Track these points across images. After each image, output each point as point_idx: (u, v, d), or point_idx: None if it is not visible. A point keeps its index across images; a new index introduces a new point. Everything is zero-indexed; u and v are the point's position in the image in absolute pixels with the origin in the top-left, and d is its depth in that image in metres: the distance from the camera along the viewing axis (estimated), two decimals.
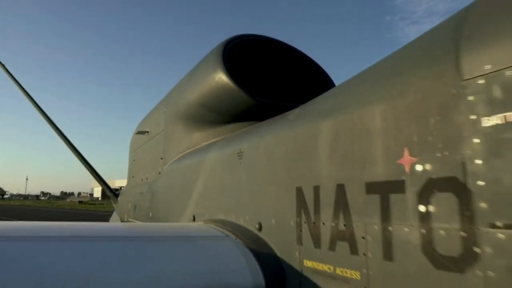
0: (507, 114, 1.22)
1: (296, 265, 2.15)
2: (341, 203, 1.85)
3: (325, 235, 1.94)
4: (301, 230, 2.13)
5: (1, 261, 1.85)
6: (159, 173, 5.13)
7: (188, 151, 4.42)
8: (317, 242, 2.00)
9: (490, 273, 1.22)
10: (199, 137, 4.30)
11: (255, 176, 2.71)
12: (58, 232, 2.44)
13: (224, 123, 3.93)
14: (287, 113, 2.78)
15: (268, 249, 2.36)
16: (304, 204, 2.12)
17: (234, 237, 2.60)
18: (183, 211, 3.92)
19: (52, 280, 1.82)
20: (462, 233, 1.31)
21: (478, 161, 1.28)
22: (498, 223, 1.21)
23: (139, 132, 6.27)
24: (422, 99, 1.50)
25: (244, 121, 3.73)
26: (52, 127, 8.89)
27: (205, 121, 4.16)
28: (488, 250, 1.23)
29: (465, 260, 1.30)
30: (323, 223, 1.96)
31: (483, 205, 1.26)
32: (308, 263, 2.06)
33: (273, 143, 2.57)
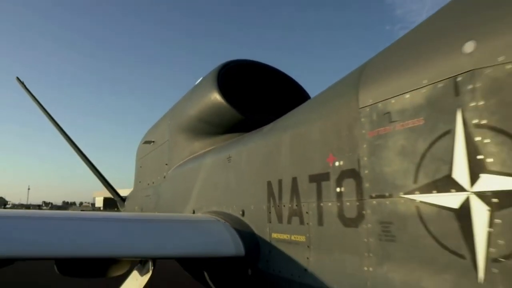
0: (379, 129, 2.03)
1: (267, 238, 2.94)
2: (295, 190, 2.65)
3: (285, 214, 2.74)
4: (270, 212, 2.93)
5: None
6: (164, 177, 5.94)
7: (189, 157, 5.23)
8: (280, 220, 2.80)
9: (370, 226, 2.02)
10: (198, 145, 5.12)
11: (239, 175, 3.52)
12: (93, 215, 3.26)
13: (218, 134, 4.75)
14: (263, 127, 3.60)
15: (248, 228, 3.16)
16: (272, 193, 2.92)
17: (223, 221, 3.41)
18: (184, 207, 4.72)
19: (94, 243, 2.63)
20: (357, 203, 2.11)
21: (365, 159, 2.09)
22: (373, 195, 2.01)
23: (146, 142, 7.09)
24: (339, 120, 2.32)
25: (234, 132, 4.56)
26: (62, 134, 9.66)
27: (203, 132, 4.99)
28: (369, 211, 2.04)
29: (359, 219, 2.10)
30: (284, 206, 2.76)
31: (367, 185, 2.06)
32: (274, 235, 2.86)
33: (252, 150, 3.39)
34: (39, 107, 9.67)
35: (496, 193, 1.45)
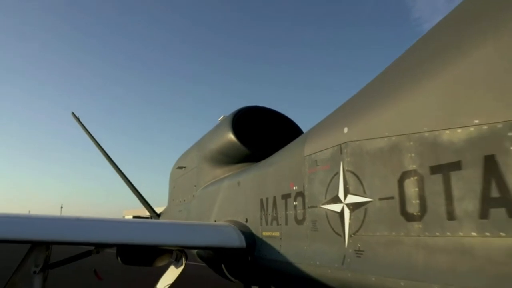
0: (312, 169, 3.61)
1: (259, 235, 4.53)
2: (274, 204, 4.25)
3: (269, 219, 4.33)
4: (261, 219, 4.53)
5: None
6: (193, 196, 7.64)
7: (212, 181, 6.92)
8: (266, 223, 4.39)
9: (308, 223, 3.58)
10: (219, 172, 6.81)
11: (245, 195, 5.15)
12: (140, 220, 4.98)
13: (233, 163, 6.43)
14: (262, 160, 5.22)
15: (249, 230, 4.77)
16: (263, 206, 4.52)
17: (233, 226, 5.03)
18: (208, 218, 6.37)
19: (143, 235, 4.33)
20: (303, 211, 3.68)
21: (306, 185, 3.67)
22: (309, 206, 3.59)
23: (179, 167, 8.86)
24: (296, 162, 3.92)
25: (244, 162, 6.21)
26: (101, 151, 11.53)
27: (222, 162, 6.68)
28: (307, 215, 3.60)
29: (303, 220, 3.67)
30: (268, 214, 4.36)
31: (307, 200, 3.63)
32: (264, 233, 4.45)
33: (252, 177, 5.03)
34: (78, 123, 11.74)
35: (352, 204, 3.01)
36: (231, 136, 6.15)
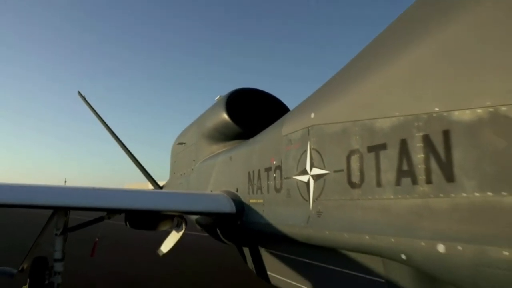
0: (287, 146, 4.33)
1: (247, 202, 5.32)
2: (259, 176, 5.01)
3: (255, 189, 5.10)
4: (249, 188, 5.30)
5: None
6: (192, 169, 8.42)
7: (208, 156, 7.68)
8: (253, 192, 5.17)
9: (284, 191, 4.34)
10: (214, 148, 7.55)
11: (236, 168, 5.90)
12: (144, 190, 5.78)
13: (227, 140, 7.17)
14: (251, 138, 5.94)
15: (238, 198, 5.55)
16: (250, 178, 5.28)
17: (225, 194, 5.81)
18: (205, 189, 7.16)
19: (147, 200, 5.13)
20: (281, 181, 4.43)
21: (283, 160, 4.41)
22: (285, 177, 4.33)
23: (179, 143, 9.61)
24: (276, 140, 4.64)
25: (236, 139, 6.94)
26: (105, 126, 12.25)
27: (217, 139, 7.42)
28: (284, 185, 4.35)
29: (281, 189, 4.43)
30: (254, 184, 5.13)
31: (283, 172, 4.38)
32: (251, 201, 5.23)
33: (242, 153, 5.77)
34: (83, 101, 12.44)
35: (316, 175, 3.75)
36: (225, 116, 6.86)
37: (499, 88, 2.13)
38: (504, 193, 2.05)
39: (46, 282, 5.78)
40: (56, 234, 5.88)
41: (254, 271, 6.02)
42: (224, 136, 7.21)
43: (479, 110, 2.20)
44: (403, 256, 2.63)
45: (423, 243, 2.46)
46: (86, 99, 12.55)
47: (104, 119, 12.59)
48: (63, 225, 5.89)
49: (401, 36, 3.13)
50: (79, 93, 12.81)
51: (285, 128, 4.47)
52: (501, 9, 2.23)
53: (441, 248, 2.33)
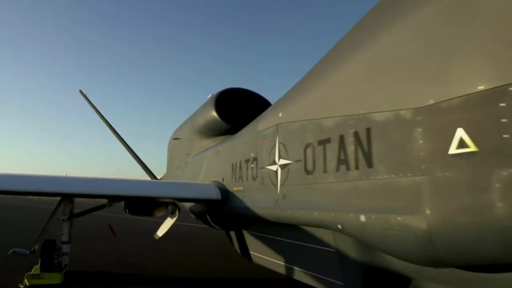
0: (261, 141, 5.06)
1: (231, 189, 6.07)
2: (240, 167, 5.75)
3: (237, 178, 5.85)
4: (232, 177, 6.05)
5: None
6: (186, 162, 9.17)
7: (200, 150, 8.42)
8: (236, 181, 5.91)
9: (259, 179, 5.08)
10: (205, 143, 8.29)
11: (222, 160, 6.65)
12: (142, 180, 6.54)
13: (216, 136, 7.91)
14: (235, 134, 6.67)
15: (224, 186, 6.30)
16: (234, 168, 6.03)
17: (213, 184, 6.55)
18: (197, 179, 7.91)
19: (144, 189, 5.89)
20: (257, 171, 5.17)
21: (258, 152, 5.14)
22: (260, 167, 5.07)
23: (175, 139, 10.35)
24: (253, 135, 5.37)
25: (225, 135, 7.68)
26: (108, 126, 12.96)
27: (207, 135, 8.16)
28: (259, 174, 5.09)
29: (257, 177, 5.16)
30: (237, 174, 5.87)
31: (259, 163, 5.11)
32: (234, 188, 5.98)
33: (227, 147, 6.51)
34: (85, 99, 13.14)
35: (282, 165, 4.48)
36: (214, 114, 7.60)
37: (400, 95, 2.86)
38: (401, 175, 2.78)
39: (55, 261, 6.55)
40: (63, 220, 6.64)
41: (239, 251, 6.78)
42: (213, 132, 7.95)
43: (387, 113, 2.93)
44: (339, 226, 3.38)
45: (351, 215, 3.20)
46: (87, 97, 13.28)
47: (105, 116, 13.32)
48: (69, 212, 6.66)
49: (342, 49, 3.86)
50: (81, 91, 13.52)
51: (260, 125, 5.20)
52: (407, 31, 2.94)
53: (362, 218, 3.08)
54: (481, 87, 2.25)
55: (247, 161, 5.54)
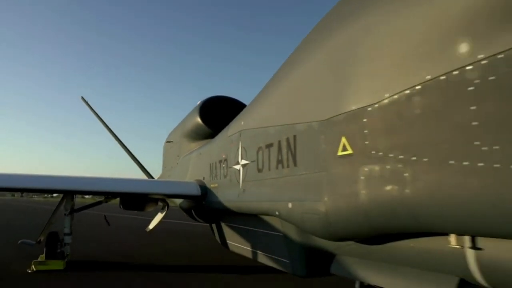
0: (230, 144, 5.96)
1: (209, 187, 6.98)
2: (216, 167, 6.66)
3: (213, 176, 6.75)
4: (210, 176, 6.96)
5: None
6: (177, 163, 10.11)
7: (188, 152, 9.34)
8: (212, 179, 6.82)
9: (228, 178, 5.98)
10: (192, 145, 9.22)
11: (203, 162, 7.56)
12: (135, 179, 7.50)
13: (201, 139, 8.83)
14: (214, 138, 7.56)
15: (204, 184, 7.22)
16: (211, 168, 6.94)
17: (195, 182, 7.47)
18: (184, 179, 8.83)
19: (136, 187, 6.83)
20: (227, 169, 6.07)
21: (228, 154, 6.04)
22: (230, 167, 5.98)
23: (168, 141, 11.30)
24: (225, 139, 6.27)
25: (207, 138, 8.59)
26: (109, 131, 13.94)
27: (194, 138, 9.09)
28: (228, 173, 6.00)
29: (227, 176, 6.07)
30: (213, 173, 6.78)
31: (229, 163, 6.01)
32: (211, 185, 6.89)
33: (207, 149, 7.43)
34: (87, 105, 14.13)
35: (243, 165, 5.38)
36: (198, 120, 8.53)
37: (312, 110, 3.74)
38: (311, 172, 3.66)
39: (58, 250, 7.52)
40: (65, 214, 7.59)
41: (219, 241, 7.69)
42: (199, 136, 8.88)
43: (305, 124, 3.82)
44: (277, 213, 4.27)
45: (283, 204, 4.09)
46: (89, 103, 14.28)
47: (105, 121, 14.30)
48: (71, 207, 7.61)
49: (283, 68, 4.75)
50: (82, 98, 14.52)
51: (229, 131, 6.11)
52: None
53: (289, 205, 3.97)
54: (353, 107, 3.13)
55: (220, 161, 6.45)
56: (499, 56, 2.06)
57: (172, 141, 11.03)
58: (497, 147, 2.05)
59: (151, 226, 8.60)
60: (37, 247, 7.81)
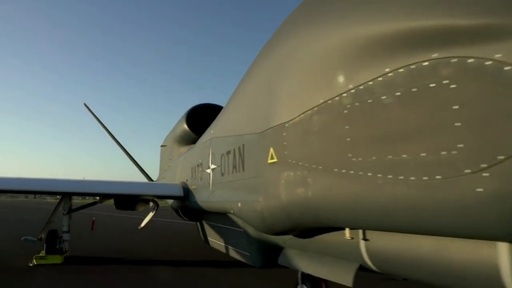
0: (204, 150, 6.65)
1: (190, 188, 7.68)
2: (196, 170, 7.36)
3: (194, 178, 7.45)
4: (191, 178, 7.66)
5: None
6: (169, 166, 10.86)
7: (178, 156, 10.08)
8: (193, 181, 7.53)
9: (205, 179, 6.68)
10: (182, 150, 9.95)
11: (187, 165, 8.27)
12: (129, 181, 8.27)
13: (188, 144, 9.55)
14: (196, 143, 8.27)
15: (187, 186, 7.93)
16: (193, 172, 7.64)
17: (180, 184, 8.19)
18: (174, 181, 9.56)
19: (127, 188, 7.59)
20: (207, 171, 6.77)
21: (202, 159, 6.73)
22: (212, 167, 6.67)
23: (163, 146, 12.07)
24: (207, 142, 6.96)
25: (193, 143, 9.30)
26: (107, 132, 14.77)
27: (182, 143, 9.82)
28: (212, 174, 6.69)
29: (209, 178, 6.77)
30: (194, 175, 7.48)
31: (203, 168, 6.71)
32: (192, 187, 7.60)
33: (190, 153, 8.14)
34: (89, 112, 14.98)
35: (213, 168, 6.06)
36: (185, 126, 9.26)
37: (254, 122, 4.40)
38: (252, 176, 4.33)
39: (57, 247, 8.32)
40: (63, 214, 8.39)
41: (203, 238, 8.39)
42: (186, 141, 9.61)
43: (249, 135, 4.49)
44: (232, 211, 4.94)
45: (235, 203, 4.76)
46: (91, 110, 15.13)
47: (107, 126, 15.14)
48: (68, 207, 8.40)
49: (244, 79, 5.41)
50: (85, 104, 15.37)
51: (204, 138, 6.80)
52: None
53: (239, 204, 4.64)
54: (277, 123, 3.78)
55: (198, 165, 7.15)
56: (361, 87, 2.69)
57: (166, 145, 11.80)
58: (360, 158, 2.67)
59: (143, 224, 9.37)
60: (38, 244, 8.62)
